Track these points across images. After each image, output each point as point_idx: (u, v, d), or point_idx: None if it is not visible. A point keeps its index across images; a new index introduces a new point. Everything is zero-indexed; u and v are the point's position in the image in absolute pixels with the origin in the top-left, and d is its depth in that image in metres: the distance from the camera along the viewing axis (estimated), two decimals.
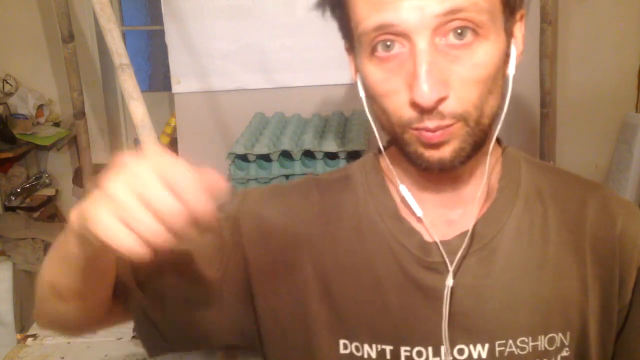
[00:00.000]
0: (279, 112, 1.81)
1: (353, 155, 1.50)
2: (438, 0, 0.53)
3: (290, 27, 1.89)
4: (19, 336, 1.57)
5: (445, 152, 0.58)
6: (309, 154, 1.52)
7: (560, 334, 0.64)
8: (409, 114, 0.57)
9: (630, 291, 0.65)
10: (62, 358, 1.47)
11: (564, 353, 0.64)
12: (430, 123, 0.56)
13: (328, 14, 0.64)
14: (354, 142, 1.48)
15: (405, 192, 0.66)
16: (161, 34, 1.94)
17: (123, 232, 0.44)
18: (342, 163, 1.49)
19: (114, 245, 0.44)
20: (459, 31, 0.55)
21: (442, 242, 0.64)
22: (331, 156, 1.50)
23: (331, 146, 1.48)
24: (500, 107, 0.61)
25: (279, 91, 1.93)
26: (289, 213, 0.70)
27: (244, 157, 1.51)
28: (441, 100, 0.55)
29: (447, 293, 0.62)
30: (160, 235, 0.45)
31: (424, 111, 0.56)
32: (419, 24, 0.54)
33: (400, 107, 0.57)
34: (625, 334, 0.66)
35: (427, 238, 0.65)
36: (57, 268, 0.61)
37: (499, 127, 0.62)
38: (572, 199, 0.68)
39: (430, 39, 0.54)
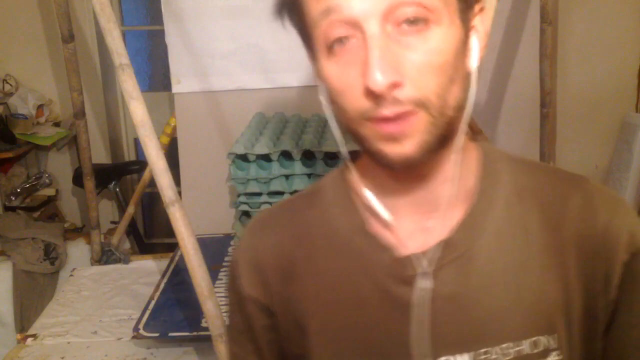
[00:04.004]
0: (279, 112, 1.81)
1: (353, 155, 1.49)
2: None
3: (290, 27, 1.89)
4: (19, 336, 1.57)
5: (407, 146, 0.56)
6: (309, 154, 1.52)
7: (545, 336, 0.62)
8: (364, 104, 0.55)
9: (615, 287, 0.64)
10: (62, 358, 1.47)
11: (555, 357, 0.63)
12: (387, 110, 0.55)
13: (288, 24, 0.64)
14: (354, 142, 1.48)
15: (370, 196, 0.64)
16: (161, 34, 1.94)
17: None
18: (342, 163, 1.49)
19: None
20: (411, 19, 0.54)
21: (419, 253, 0.63)
22: (331, 156, 1.50)
23: (331, 146, 1.48)
24: (465, 100, 0.59)
25: (279, 91, 1.93)
26: (275, 248, 0.70)
27: (244, 157, 1.51)
28: (395, 85, 0.54)
29: (419, 298, 0.62)
30: None
31: (378, 97, 0.54)
32: (367, 8, 0.53)
33: (356, 99, 0.56)
34: (613, 330, 0.65)
35: (404, 250, 0.63)
36: None
37: (465, 121, 0.60)
38: (554, 196, 0.66)
39: (381, 25, 0.54)
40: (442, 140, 0.58)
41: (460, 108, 0.58)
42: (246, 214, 1.57)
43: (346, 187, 0.69)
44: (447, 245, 0.62)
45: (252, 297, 0.70)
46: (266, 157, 1.51)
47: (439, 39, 0.55)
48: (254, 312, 0.71)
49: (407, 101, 0.54)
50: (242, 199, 1.53)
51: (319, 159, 1.50)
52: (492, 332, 0.62)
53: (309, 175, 1.52)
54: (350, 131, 0.60)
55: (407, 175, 0.62)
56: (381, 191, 0.65)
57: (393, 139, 0.56)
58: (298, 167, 1.51)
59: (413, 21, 0.54)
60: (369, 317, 0.64)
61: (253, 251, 0.71)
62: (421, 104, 0.55)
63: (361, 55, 0.55)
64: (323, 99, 0.63)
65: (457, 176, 0.63)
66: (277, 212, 0.73)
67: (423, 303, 0.62)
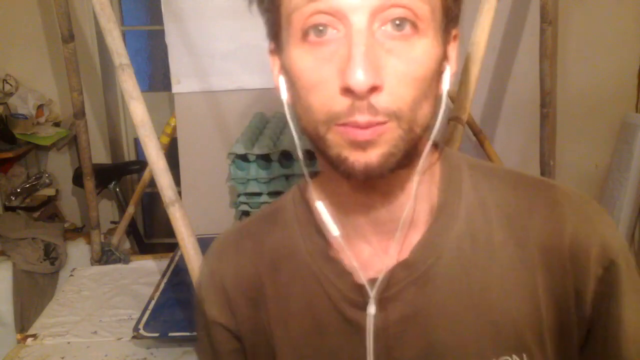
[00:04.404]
0: (279, 112, 1.81)
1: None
2: None
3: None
4: (19, 336, 1.57)
5: (372, 156, 0.52)
6: (309, 154, 1.52)
7: (514, 356, 0.58)
8: (339, 105, 0.51)
9: (589, 304, 0.58)
10: (62, 358, 1.46)
11: None
12: (362, 117, 0.51)
13: (254, 7, 0.59)
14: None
15: (322, 209, 0.60)
16: (161, 34, 1.94)
17: None
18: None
19: None
20: (398, 22, 0.51)
21: (377, 278, 0.59)
22: None
23: None
24: (433, 119, 0.56)
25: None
26: (238, 274, 0.68)
27: (244, 157, 1.51)
28: (375, 89, 0.50)
29: (369, 324, 0.59)
30: None
31: (357, 99, 0.50)
32: (358, 1, 0.50)
33: (329, 99, 0.51)
34: (589, 347, 0.60)
35: (364, 274, 0.60)
36: None
37: (429, 144, 0.57)
38: (518, 207, 0.61)
39: (368, 22, 0.50)
40: (406, 157, 0.54)
41: (427, 127, 0.55)
42: (246, 214, 1.56)
43: (306, 206, 0.66)
44: (405, 266, 0.59)
45: (217, 321, 0.68)
46: (266, 157, 1.51)
47: (423, 50, 0.52)
48: (220, 337, 0.69)
49: (383, 111, 0.51)
50: (242, 199, 1.53)
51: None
52: (457, 354, 0.59)
53: None
54: (310, 134, 0.56)
55: (367, 190, 0.59)
56: (341, 209, 0.62)
57: (359, 146, 0.52)
58: (298, 167, 1.51)
59: (400, 24, 0.51)
60: (332, 344, 0.62)
61: (217, 276, 0.69)
62: (394, 115, 0.51)
63: (341, 51, 0.51)
64: (284, 95, 0.60)
65: (419, 196, 0.60)
66: (237, 237, 0.70)
67: (371, 329, 0.59)
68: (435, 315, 0.59)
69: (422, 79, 0.52)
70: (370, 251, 0.62)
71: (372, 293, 0.59)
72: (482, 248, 0.60)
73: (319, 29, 0.52)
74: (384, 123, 0.51)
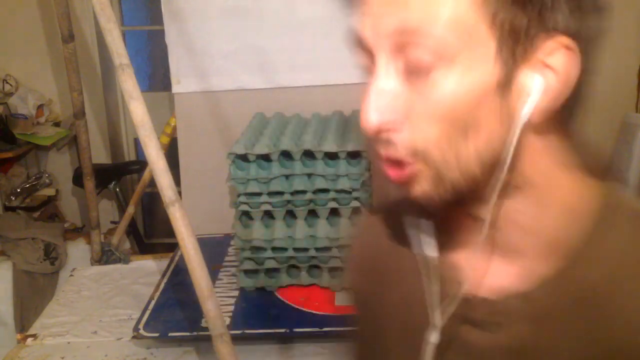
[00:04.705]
0: (279, 112, 1.81)
1: (353, 155, 1.50)
2: (389, 12, 0.46)
3: (290, 27, 1.89)
4: (19, 336, 1.57)
5: (414, 191, 0.50)
6: (309, 154, 1.52)
7: None
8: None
9: None
10: (62, 358, 1.47)
11: None
12: (381, 150, 0.49)
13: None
14: (354, 142, 1.48)
15: (411, 225, 0.56)
16: (161, 34, 1.94)
17: None
18: (342, 163, 1.49)
19: None
20: (418, 56, 0.46)
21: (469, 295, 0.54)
22: (331, 156, 1.50)
23: (331, 146, 1.48)
24: (495, 154, 0.48)
25: (279, 91, 1.93)
26: (366, 251, 0.68)
27: (244, 157, 1.51)
28: (388, 130, 0.48)
29: (431, 343, 0.55)
30: None
31: (371, 137, 0.49)
32: (373, 39, 0.47)
33: None
34: None
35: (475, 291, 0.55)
36: None
37: (499, 183, 0.49)
38: None
39: (387, 59, 0.47)
40: (459, 198, 0.50)
41: (485, 164, 0.48)
42: (246, 214, 1.57)
43: None
44: (524, 299, 0.53)
45: (348, 287, 0.70)
46: (266, 157, 1.51)
47: (450, 84, 0.46)
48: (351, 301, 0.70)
49: (402, 147, 0.48)
50: (242, 199, 1.53)
51: (319, 159, 1.50)
52: None
53: (309, 175, 1.52)
54: None
55: (455, 214, 0.55)
56: (444, 222, 0.57)
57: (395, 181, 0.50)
58: (298, 167, 1.51)
59: (420, 60, 0.46)
60: (417, 345, 0.58)
61: (355, 243, 0.70)
62: (420, 155, 0.48)
63: None
64: None
65: (523, 223, 0.52)
66: (381, 213, 0.68)
67: (430, 350, 0.56)
68: (541, 356, 0.53)
69: (451, 117, 0.46)
70: (478, 268, 0.56)
71: (438, 318, 0.55)
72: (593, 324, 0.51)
73: (369, 67, 0.50)
74: (408, 163, 0.49)
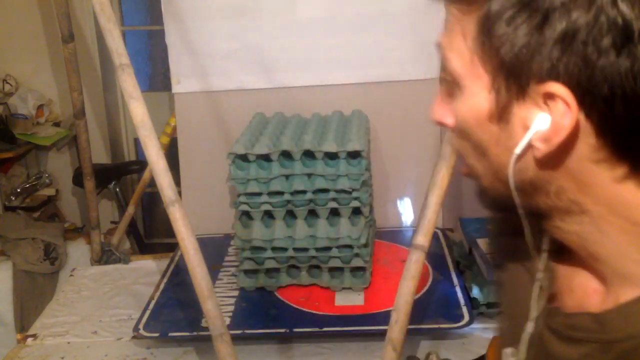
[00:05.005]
0: (279, 112, 1.81)
1: (353, 155, 1.50)
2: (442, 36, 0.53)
3: (290, 27, 1.89)
4: (19, 336, 1.57)
5: (476, 186, 0.57)
6: (309, 154, 1.52)
7: None
8: None
9: None
10: (62, 358, 1.47)
11: None
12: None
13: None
14: (354, 142, 1.48)
15: (526, 223, 0.56)
16: (161, 34, 1.94)
17: None
18: (342, 163, 1.49)
19: None
20: (443, 76, 0.53)
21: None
22: (331, 156, 1.51)
23: (331, 146, 1.48)
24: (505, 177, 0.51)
25: (279, 91, 1.93)
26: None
27: (244, 157, 1.51)
28: (443, 124, 0.55)
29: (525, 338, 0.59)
30: None
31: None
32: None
33: None
34: None
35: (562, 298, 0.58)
36: None
37: (517, 200, 0.52)
38: None
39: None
40: (503, 203, 0.54)
41: (506, 183, 0.51)
42: (246, 214, 1.57)
43: None
44: (595, 320, 0.52)
45: None
46: (266, 157, 1.51)
47: (457, 105, 0.52)
48: None
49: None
50: (242, 199, 1.53)
51: (319, 159, 1.50)
52: None
53: (309, 175, 1.52)
54: None
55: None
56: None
57: None
58: (298, 167, 1.51)
59: (445, 83, 0.53)
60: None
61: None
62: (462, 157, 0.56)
63: None
64: None
65: (596, 245, 0.52)
66: None
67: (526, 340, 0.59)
68: None
69: (463, 135, 0.53)
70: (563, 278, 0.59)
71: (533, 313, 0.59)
72: None
73: None
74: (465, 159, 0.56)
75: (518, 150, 0.48)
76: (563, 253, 0.57)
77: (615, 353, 0.51)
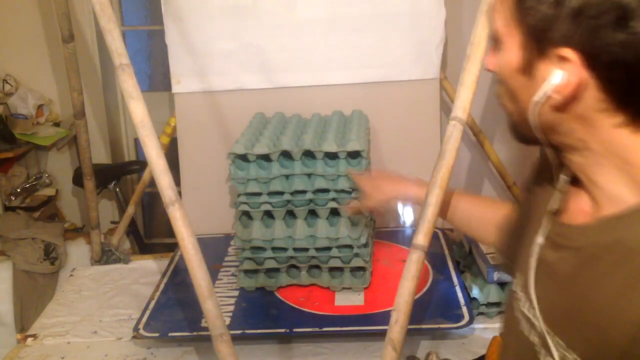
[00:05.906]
0: (279, 112, 1.81)
1: (353, 155, 1.50)
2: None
3: (290, 27, 1.89)
4: (19, 336, 1.57)
5: (507, 121, 0.73)
6: (309, 154, 1.52)
7: None
8: None
9: None
10: (62, 358, 1.47)
11: None
12: None
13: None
14: (354, 142, 1.48)
15: (551, 153, 0.72)
16: (161, 34, 1.94)
17: None
18: (342, 163, 1.49)
19: None
20: (490, 33, 0.71)
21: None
22: (331, 156, 1.51)
23: (331, 146, 1.48)
24: (527, 120, 0.67)
25: (279, 91, 1.93)
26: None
27: (244, 157, 1.51)
28: (491, 71, 0.71)
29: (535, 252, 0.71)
30: None
31: None
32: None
33: None
34: None
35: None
36: None
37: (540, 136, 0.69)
38: None
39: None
40: (522, 133, 0.71)
41: (529, 122, 0.67)
42: (246, 214, 1.57)
43: None
44: (577, 230, 0.67)
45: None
46: (266, 157, 1.51)
47: (497, 57, 0.68)
48: None
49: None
50: (242, 199, 1.53)
51: (319, 159, 1.50)
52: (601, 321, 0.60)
53: (309, 175, 1.52)
54: None
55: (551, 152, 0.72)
56: None
57: None
58: (298, 167, 1.51)
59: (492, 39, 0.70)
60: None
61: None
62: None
63: None
64: None
65: (591, 175, 0.67)
66: None
67: (535, 255, 0.72)
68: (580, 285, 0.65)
69: (502, 81, 0.69)
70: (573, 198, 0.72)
71: (543, 229, 0.72)
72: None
73: None
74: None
75: (537, 97, 0.64)
76: (574, 181, 0.71)
77: (581, 257, 0.64)
